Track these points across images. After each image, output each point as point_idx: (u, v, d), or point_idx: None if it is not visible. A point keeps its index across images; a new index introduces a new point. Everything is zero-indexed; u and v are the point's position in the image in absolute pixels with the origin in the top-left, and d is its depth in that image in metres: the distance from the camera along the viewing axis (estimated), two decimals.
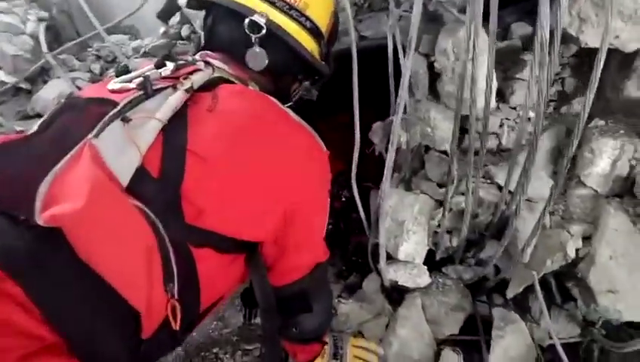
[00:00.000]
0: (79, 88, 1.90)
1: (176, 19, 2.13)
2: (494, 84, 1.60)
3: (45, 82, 1.93)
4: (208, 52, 1.30)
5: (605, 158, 1.61)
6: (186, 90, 1.06)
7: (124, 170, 0.89)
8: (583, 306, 1.70)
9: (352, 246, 2.51)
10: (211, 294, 1.08)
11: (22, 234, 0.77)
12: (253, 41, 1.21)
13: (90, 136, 0.91)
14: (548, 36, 1.18)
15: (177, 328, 0.90)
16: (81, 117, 1.00)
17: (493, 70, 1.39)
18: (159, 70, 1.13)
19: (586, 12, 1.42)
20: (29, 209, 0.78)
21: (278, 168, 1.08)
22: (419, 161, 1.95)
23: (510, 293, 1.73)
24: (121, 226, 0.84)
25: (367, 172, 2.42)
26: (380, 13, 1.81)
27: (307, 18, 1.28)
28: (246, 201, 1.03)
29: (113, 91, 1.07)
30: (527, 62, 1.77)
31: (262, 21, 1.19)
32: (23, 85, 1.91)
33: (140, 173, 0.91)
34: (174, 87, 1.06)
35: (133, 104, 1.00)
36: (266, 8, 1.22)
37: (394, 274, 1.83)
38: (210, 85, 1.13)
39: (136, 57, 2.05)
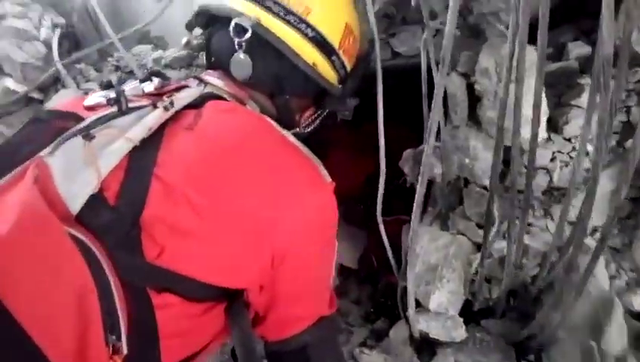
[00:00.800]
0: None
1: (199, 30, 2.02)
2: (544, 111, 1.38)
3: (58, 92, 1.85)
4: (209, 70, 1.15)
5: None
6: (165, 108, 0.90)
7: (76, 195, 0.76)
8: None
9: (382, 287, 2.27)
10: (178, 351, 0.89)
11: None
12: (236, 46, 1.03)
13: (43, 153, 0.80)
14: (612, 50, 0.94)
15: None
16: (41, 131, 0.88)
17: (542, 94, 1.16)
18: (141, 85, 1.00)
19: None
20: None
21: (264, 203, 0.87)
22: (457, 196, 1.72)
23: None
24: (48, 262, 0.68)
25: (401, 203, 2.20)
26: (415, 27, 1.60)
27: (308, 25, 1.07)
28: (220, 241, 0.84)
29: (88, 107, 0.94)
30: (584, 86, 1.52)
31: (247, 23, 1.01)
32: (35, 95, 1.83)
33: (96, 199, 0.78)
34: (154, 105, 0.91)
35: (102, 121, 0.87)
36: (258, 12, 1.04)
37: (425, 324, 1.60)
38: (199, 103, 0.97)
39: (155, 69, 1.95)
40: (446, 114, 1.60)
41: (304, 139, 1.06)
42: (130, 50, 2.01)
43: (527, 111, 1.21)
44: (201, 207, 0.82)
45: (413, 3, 1.47)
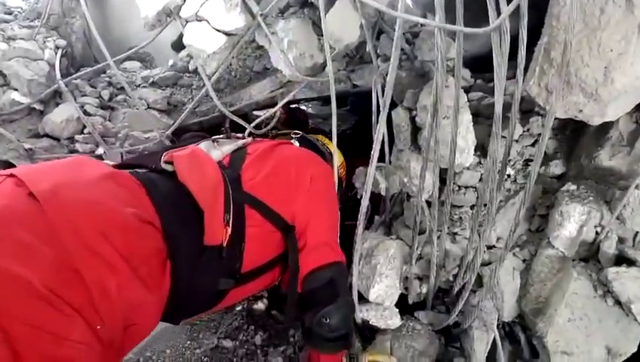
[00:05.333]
0: (86, 112, 2.08)
1: (185, 52, 2.27)
2: (472, 141, 1.69)
3: (57, 105, 2.08)
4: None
5: (573, 223, 1.66)
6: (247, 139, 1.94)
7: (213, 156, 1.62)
8: None
9: None
10: (254, 254, 1.51)
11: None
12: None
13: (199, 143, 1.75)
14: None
15: (224, 244, 1.35)
16: (192, 138, 1.85)
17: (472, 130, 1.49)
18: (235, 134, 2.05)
19: (553, 85, 1.48)
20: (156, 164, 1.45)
21: (290, 180, 1.66)
22: (400, 208, 2.03)
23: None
24: (204, 169, 1.45)
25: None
26: (370, 65, 1.90)
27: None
28: (276, 191, 1.60)
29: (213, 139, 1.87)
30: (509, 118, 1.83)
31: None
32: (37, 106, 2.06)
33: (219, 164, 1.57)
34: (243, 137, 1.98)
35: (218, 138, 1.88)
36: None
37: (366, 313, 1.90)
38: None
39: (144, 86, 2.19)
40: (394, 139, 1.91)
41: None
42: (119, 65, 2.25)
43: (459, 141, 1.55)
44: (270, 168, 1.63)
45: (367, 48, 1.78)
